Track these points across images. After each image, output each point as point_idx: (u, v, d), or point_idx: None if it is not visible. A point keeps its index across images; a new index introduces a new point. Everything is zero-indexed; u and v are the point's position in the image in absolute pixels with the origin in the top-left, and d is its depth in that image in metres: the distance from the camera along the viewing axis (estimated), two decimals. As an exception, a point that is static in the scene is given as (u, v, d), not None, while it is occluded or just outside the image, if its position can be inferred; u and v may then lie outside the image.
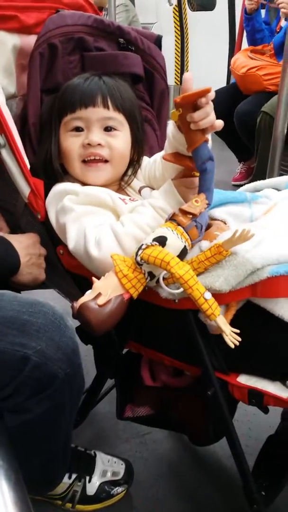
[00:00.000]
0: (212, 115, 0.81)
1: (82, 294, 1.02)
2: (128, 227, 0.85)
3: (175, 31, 4.58)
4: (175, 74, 4.69)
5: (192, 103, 0.79)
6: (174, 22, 4.54)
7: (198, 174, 0.85)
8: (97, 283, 0.79)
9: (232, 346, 0.79)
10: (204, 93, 0.77)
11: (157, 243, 0.78)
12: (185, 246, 0.81)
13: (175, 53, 4.65)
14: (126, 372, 1.13)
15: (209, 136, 0.85)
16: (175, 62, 4.67)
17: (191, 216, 0.82)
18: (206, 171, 0.84)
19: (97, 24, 1.10)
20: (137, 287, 0.80)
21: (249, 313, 0.85)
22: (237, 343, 0.79)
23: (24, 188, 0.98)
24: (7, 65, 1.03)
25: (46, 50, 1.02)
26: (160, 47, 1.15)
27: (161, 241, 0.79)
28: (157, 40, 1.15)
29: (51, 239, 1.01)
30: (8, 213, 1.11)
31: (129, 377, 1.12)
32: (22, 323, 0.80)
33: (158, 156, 1.05)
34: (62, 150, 1.01)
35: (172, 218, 0.82)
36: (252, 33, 2.96)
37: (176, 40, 4.61)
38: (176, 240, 0.80)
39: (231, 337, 0.79)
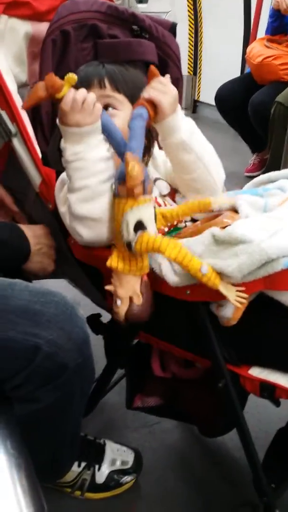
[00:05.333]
0: None
1: (93, 284, 1.03)
2: (73, 199, 0.87)
3: (189, 19, 4.51)
4: (188, 63, 4.63)
5: None
6: (188, 10, 4.47)
7: None
8: (119, 293, 0.84)
9: (239, 305, 0.79)
10: None
11: (140, 231, 0.79)
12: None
13: (189, 42, 4.58)
14: (136, 362, 1.13)
15: None
16: (189, 51, 4.60)
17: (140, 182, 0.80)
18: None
19: (111, 11, 1.08)
20: (143, 266, 0.84)
21: (260, 305, 0.84)
22: (245, 302, 0.80)
23: (36, 178, 0.97)
24: (19, 53, 1.02)
25: (59, 37, 1.01)
26: (175, 35, 1.13)
27: (140, 226, 0.80)
28: (172, 28, 1.13)
29: (62, 228, 1.00)
30: (20, 203, 1.11)
31: (139, 367, 1.13)
32: (34, 312, 0.81)
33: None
34: None
35: (128, 196, 0.81)
36: (278, 28, 2.90)
37: (189, 29, 4.55)
38: (146, 211, 0.80)
39: (238, 298, 0.80)
